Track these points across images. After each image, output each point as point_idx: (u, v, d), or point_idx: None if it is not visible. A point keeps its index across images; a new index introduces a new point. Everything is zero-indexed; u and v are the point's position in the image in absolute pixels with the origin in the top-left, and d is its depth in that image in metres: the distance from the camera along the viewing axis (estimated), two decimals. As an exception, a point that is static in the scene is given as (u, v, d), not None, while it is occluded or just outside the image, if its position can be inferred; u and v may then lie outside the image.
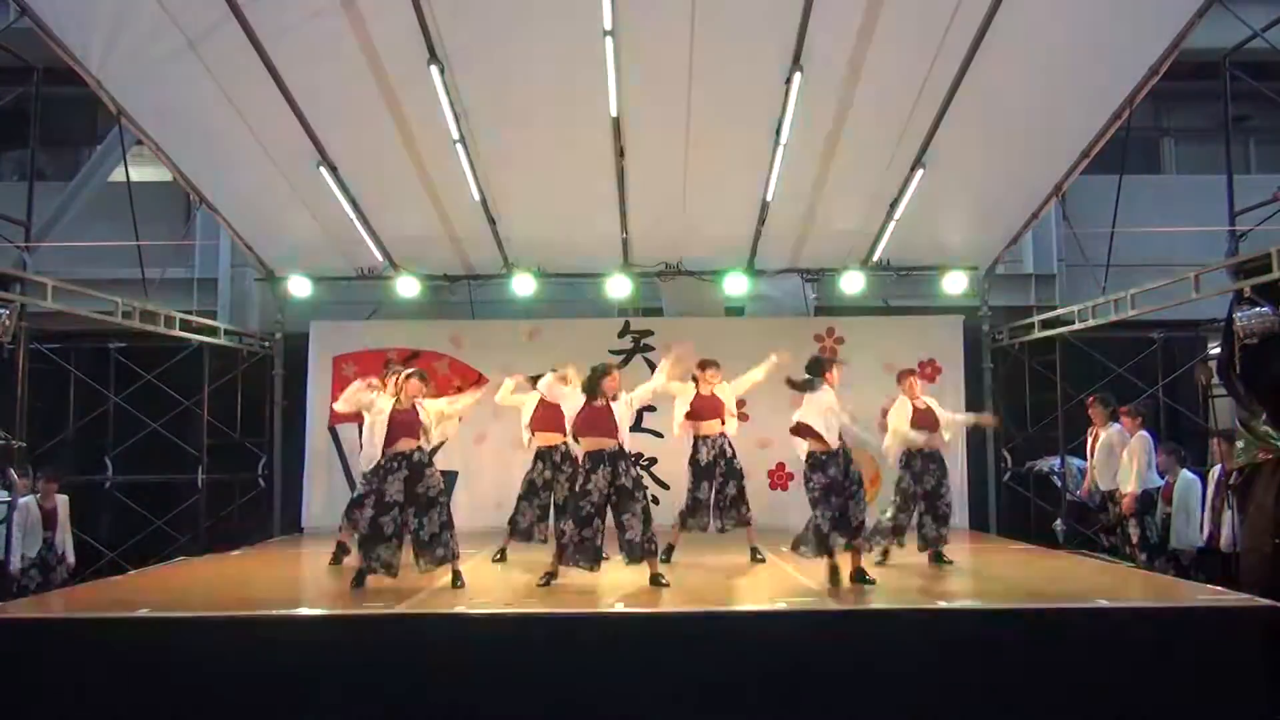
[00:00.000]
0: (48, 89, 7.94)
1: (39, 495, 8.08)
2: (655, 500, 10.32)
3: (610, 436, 6.16)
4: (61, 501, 8.40)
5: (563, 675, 5.11)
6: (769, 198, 8.86)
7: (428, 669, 5.10)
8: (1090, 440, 8.44)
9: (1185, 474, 8.00)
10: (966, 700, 5.05)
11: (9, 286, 6.89)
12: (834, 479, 6.13)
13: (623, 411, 6.25)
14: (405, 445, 6.17)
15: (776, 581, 6.50)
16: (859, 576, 6.14)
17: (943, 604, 5.63)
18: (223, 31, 6.95)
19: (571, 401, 6.35)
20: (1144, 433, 7.85)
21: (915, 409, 7.07)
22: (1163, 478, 7.89)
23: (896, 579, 6.61)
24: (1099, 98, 7.81)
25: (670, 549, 7.33)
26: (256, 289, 11.20)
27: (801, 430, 6.26)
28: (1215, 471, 7.62)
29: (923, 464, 7.02)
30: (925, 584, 6.40)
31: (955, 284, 10.21)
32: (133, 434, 10.12)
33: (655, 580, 6.22)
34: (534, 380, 7.26)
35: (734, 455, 7.47)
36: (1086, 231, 8.83)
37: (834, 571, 6.13)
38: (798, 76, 7.31)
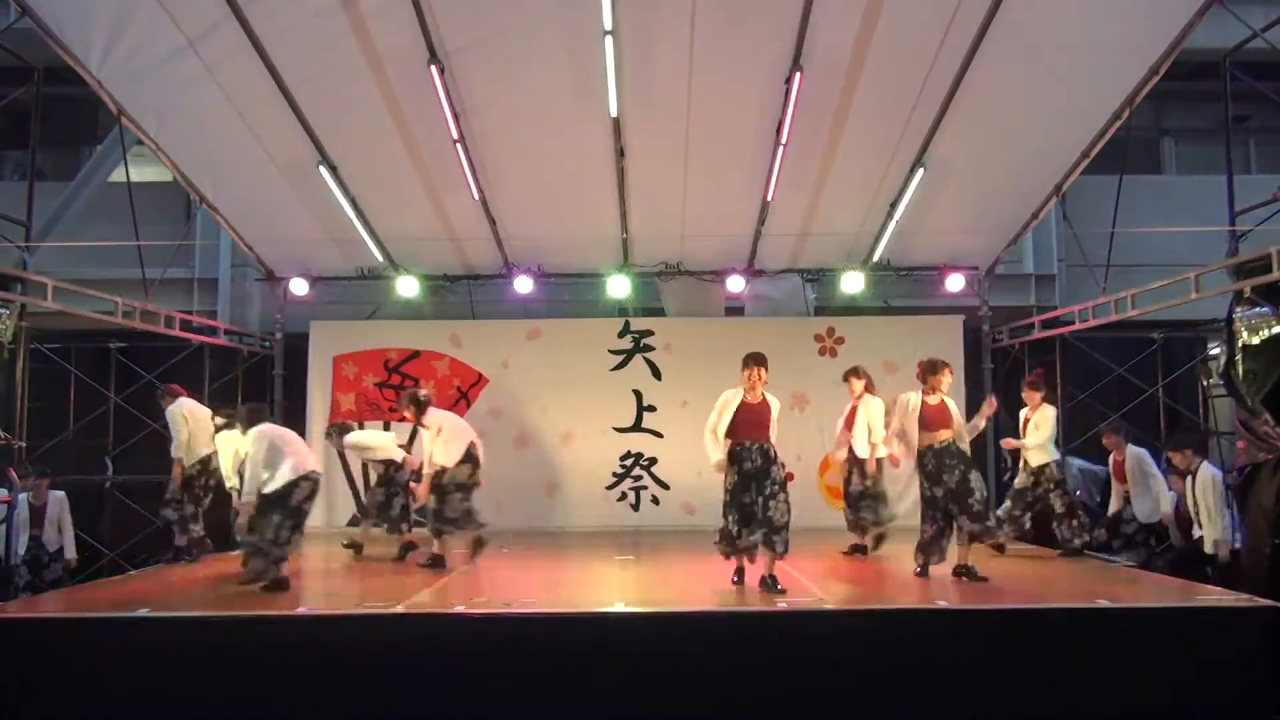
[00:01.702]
0: (48, 89, 7.93)
1: (30, 493, 8.08)
2: (655, 500, 10.36)
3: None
4: (55, 498, 8.41)
5: (563, 675, 5.11)
6: (769, 198, 8.87)
7: (428, 669, 5.11)
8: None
9: (1132, 448, 8.11)
10: (967, 700, 5.06)
11: (9, 286, 6.89)
12: (746, 473, 6.23)
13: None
14: None
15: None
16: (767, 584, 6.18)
17: (943, 604, 5.63)
18: (223, 31, 6.96)
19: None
20: (1049, 405, 7.88)
21: (925, 404, 6.63)
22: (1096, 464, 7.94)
23: (896, 579, 6.61)
24: (1099, 98, 7.80)
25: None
26: (256, 289, 11.20)
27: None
28: (1209, 473, 7.62)
29: (935, 462, 6.52)
30: (925, 584, 6.39)
31: (955, 284, 10.22)
32: (133, 434, 10.11)
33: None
34: None
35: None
36: (1086, 231, 8.82)
37: (739, 572, 6.35)
38: (798, 76, 7.32)
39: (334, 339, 10.60)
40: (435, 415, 7.57)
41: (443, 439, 7.42)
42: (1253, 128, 12.72)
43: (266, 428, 6.61)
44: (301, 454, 6.57)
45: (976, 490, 6.47)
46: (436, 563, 7.42)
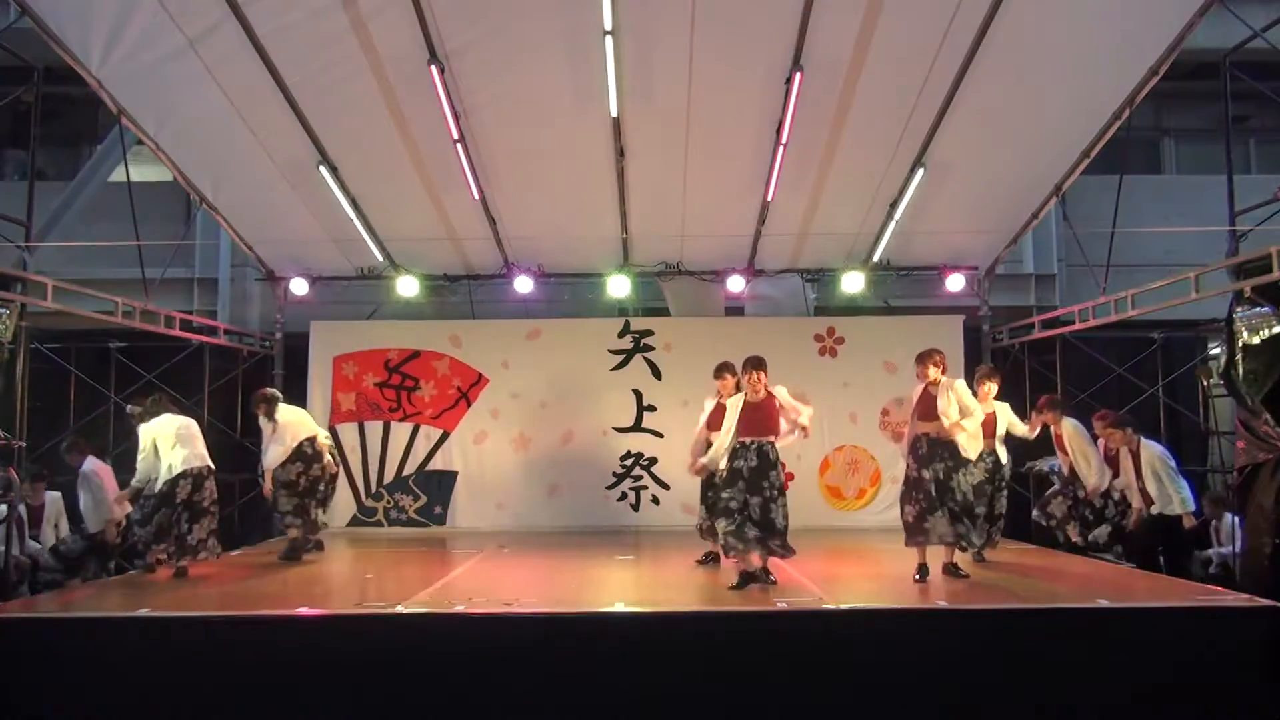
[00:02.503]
0: (48, 89, 7.93)
1: (26, 495, 8.06)
2: (656, 500, 10.36)
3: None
4: (52, 499, 8.41)
5: (563, 675, 5.11)
6: (769, 198, 8.87)
7: (428, 669, 5.11)
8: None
9: (1068, 420, 8.20)
10: (966, 700, 5.06)
11: (9, 286, 6.88)
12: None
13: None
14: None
15: (777, 581, 6.49)
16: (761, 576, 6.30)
17: (943, 604, 5.63)
18: (223, 31, 6.96)
19: None
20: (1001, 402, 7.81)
21: (925, 392, 6.64)
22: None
23: (896, 579, 6.61)
24: (1099, 98, 7.81)
25: None
26: (256, 289, 11.20)
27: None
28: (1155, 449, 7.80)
29: (929, 450, 6.53)
30: (925, 584, 6.38)
31: (955, 284, 10.23)
32: (133, 434, 10.08)
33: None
34: None
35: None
36: (1086, 231, 8.83)
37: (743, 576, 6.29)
38: (798, 76, 7.32)
39: (334, 339, 10.60)
40: (281, 413, 7.92)
41: (275, 438, 7.78)
42: (1253, 128, 12.73)
43: (157, 423, 7.00)
44: (189, 449, 7.00)
45: (956, 492, 6.47)
46: (291, 553, 7.82)
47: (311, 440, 7.92)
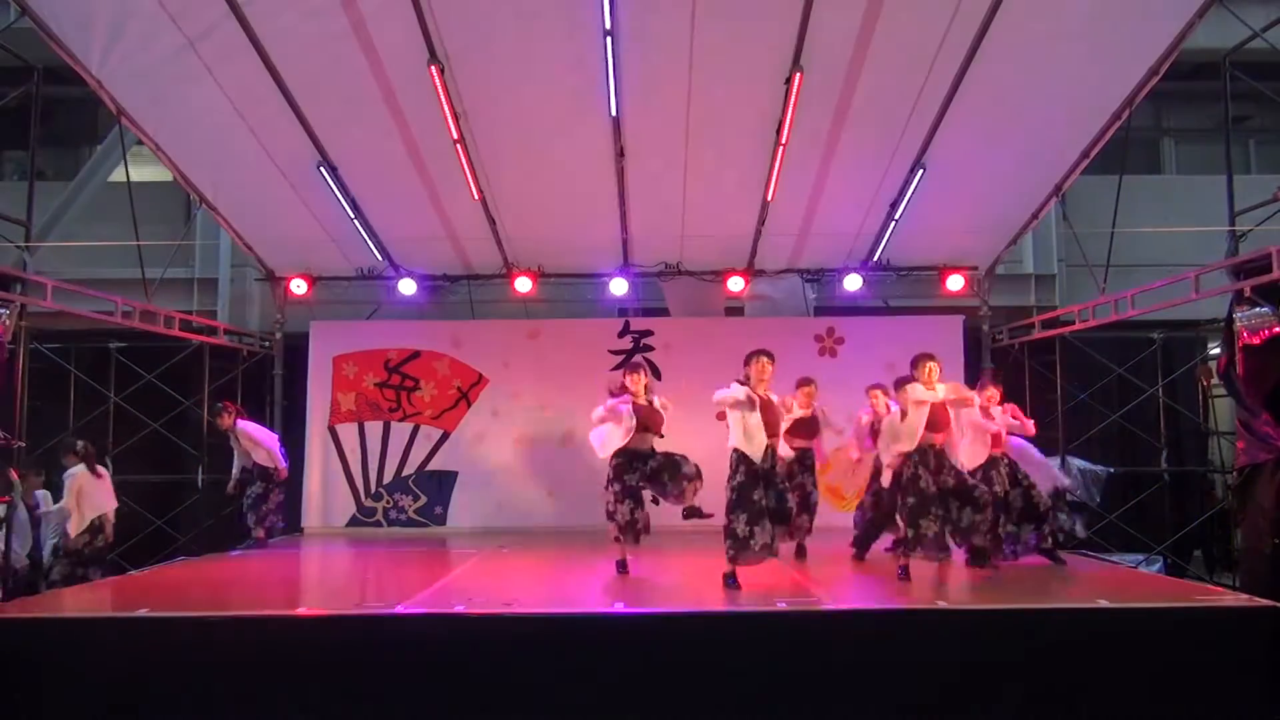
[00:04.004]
0: (48, 89, 7.94)
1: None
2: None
3: None
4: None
5: (563, 675, 5.11)
6: (769, 198, 8.87)
7: (428, 669, 5.11)
8: None
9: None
10: (967, 700, 5.06)
11: (9, 286, 6.89)
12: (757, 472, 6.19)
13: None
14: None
15: (776, 581, 6.50)
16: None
17: (943, 604, 5.63)
18: (223, 31, 6.96)
19: None
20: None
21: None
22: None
23: (896, 579, 6.60)
24: (1099, 98, 7.81)
25: None
26: (256, 289, 11.20)
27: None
28: None
29: (937, 461, 6.50)
30: (925, 584, 6.38)
31: (955, 284, 10.23)
32: (133, 434, 10.11)
33: None
34: None
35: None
36: (1086, 231, 8.83)
37: (729, 577, 6.19)
38: (798, 77, 7.33)
39: (334, 339, 10.60)
40: (83, 480, 7.93)
41: (75, 509, 7.83)
42: (1253, 128, 12.74)
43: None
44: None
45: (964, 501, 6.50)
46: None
47: (101, 517, 8.00)
